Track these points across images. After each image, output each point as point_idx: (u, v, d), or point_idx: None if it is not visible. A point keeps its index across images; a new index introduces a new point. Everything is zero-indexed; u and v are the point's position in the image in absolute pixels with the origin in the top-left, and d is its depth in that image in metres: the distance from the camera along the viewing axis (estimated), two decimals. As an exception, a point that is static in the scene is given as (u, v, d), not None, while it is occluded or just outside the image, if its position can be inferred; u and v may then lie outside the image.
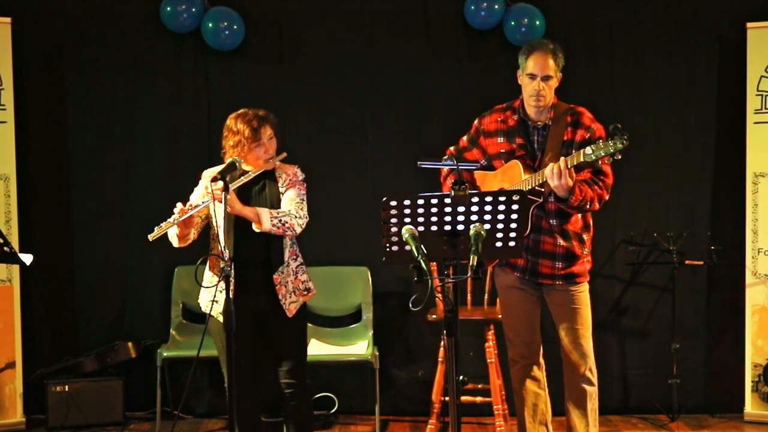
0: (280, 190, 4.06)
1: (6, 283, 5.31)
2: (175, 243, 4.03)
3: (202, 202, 3.91)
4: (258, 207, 3.94)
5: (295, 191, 4.05)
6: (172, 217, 3.88)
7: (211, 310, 3.88)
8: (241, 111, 4.06)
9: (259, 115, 4.02)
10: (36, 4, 5.55)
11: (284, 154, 4.07)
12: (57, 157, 5.62)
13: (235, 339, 3.88)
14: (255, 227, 3.89)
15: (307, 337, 4.21)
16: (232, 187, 3.91)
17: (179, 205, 3.90)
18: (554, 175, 3.84)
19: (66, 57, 5.59)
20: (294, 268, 4.08)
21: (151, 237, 3.90)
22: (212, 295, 3.96)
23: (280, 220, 3.91)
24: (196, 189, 4.08)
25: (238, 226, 3.95)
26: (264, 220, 3.87)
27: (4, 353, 5.30)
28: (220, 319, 3.94)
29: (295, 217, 3.96)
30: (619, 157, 3.76)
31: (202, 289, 4.10)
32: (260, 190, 4.07)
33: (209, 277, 4.07)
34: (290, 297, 4.04)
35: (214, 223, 3.93)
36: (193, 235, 4.04)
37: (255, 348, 4.12)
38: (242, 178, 4.00)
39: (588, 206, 3.98)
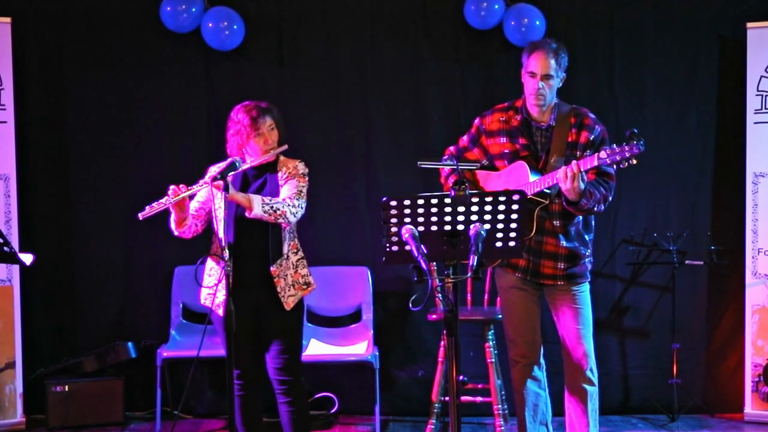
0: (279, 183, 4.07)
1: (6, 283, 5.31)
2: (174, 230, 4.04)
3: (198, 185, 3.90)
4: (251, 194, 3.94)
5: (294, 182, 4.05)
6: (165, 198, 3.87)
7: (213, 305, 3.90)
8: (244, 103, 4.10)
9: (260, 106, 4.06)
10: (36, 4, 5.55)
11: (285, 147, 4.06)
12: (57, 157, 5.62)
13: (236, 331, 3.88)
14: (246, 213, 3.90)
15: (302, 332, 4.20)
16: (231, 174, 3.91)
17: (172, 186, 3.89)
18: (567, 178, 3.82)
19: (66, 57, 5.59)
20: (294, 261, 4.08)
21: (141, 215, 3.90)
22: (213, 292, 3.97)
23: (272, 207, 3.90)
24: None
25: (238, 218, 3.97)
26: (255, 205, 3.87)
27: (4, 353, 5.30)
28: (220, 312, 3.95)
29: (288, 205, 3.95)
30: (634, 162, 3.76)
31: (203, 286, 4.10)
32: (261, 186, 4.08)
33: (208, 269, 4.08)
34: (289, 290, 4.04)
35: (214, 217, 3.92)
36: (191, 221, 4.04)
37: (256, 341, 4.11)
38: (241, 166, 3.99)
39: (595, 209, 3.98)
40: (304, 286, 4.10)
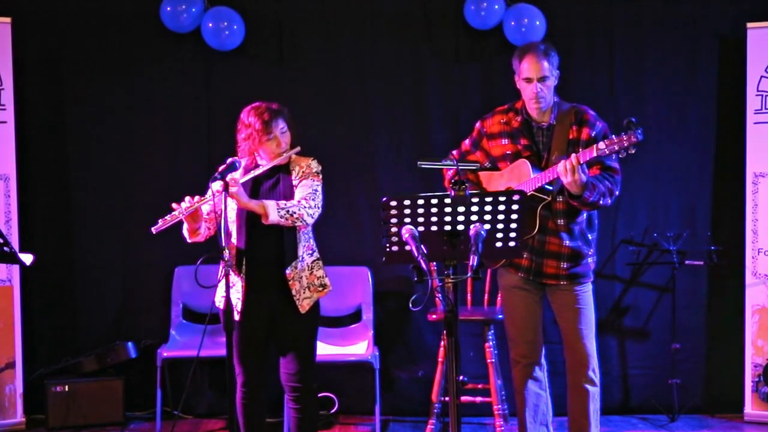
0: (293, 182, 4.00)
1: (6, 283, 5.31)
2: (187, 237, 4.00)
3: (208, 195, 3.85)
4: (265, 200, 3.87)
5: (308, 182, 3.98)
6: (177, 209, 3.85)
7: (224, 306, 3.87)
8: (254, 104, 4.02)
9: (272, 108, 3.98)
10: (36, 4, 5.55)
11: (298, 148, 4.00)
12: (57, 157, 5.62)
13: (248, 337, 3.87)
14: (263, 220, 3.83)
15: (317, 338, 4.11)
16: (243, 180, 3.88)
17: (187, 198, 3.87)
18: (567, 171, 3.82)
19: (66, 57, 5.59)
20: (309, 263, 4.01)
21: (154, 230, 3.89)
22: (224, 292, 3.93)
23: (288, 211, 3.84)
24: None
25: (251, 221, 3.90)
26: (271, 212, 3.80)
27: (4, 353, 5.30)
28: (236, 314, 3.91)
29: (304, 207, 3.88)
30: (633, 151, 3.75)
31: (218, 287, 4.03)
32: (273, 186, 4.01)
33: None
34: (304, 293, 3.97)
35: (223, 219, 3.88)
36: (204, 229, 3.99)
37: (266, 347, 4.08)
38: (253, 171, 3.95)
39: (601, 202, 3.96)
40: (320, 288, 4.03)
